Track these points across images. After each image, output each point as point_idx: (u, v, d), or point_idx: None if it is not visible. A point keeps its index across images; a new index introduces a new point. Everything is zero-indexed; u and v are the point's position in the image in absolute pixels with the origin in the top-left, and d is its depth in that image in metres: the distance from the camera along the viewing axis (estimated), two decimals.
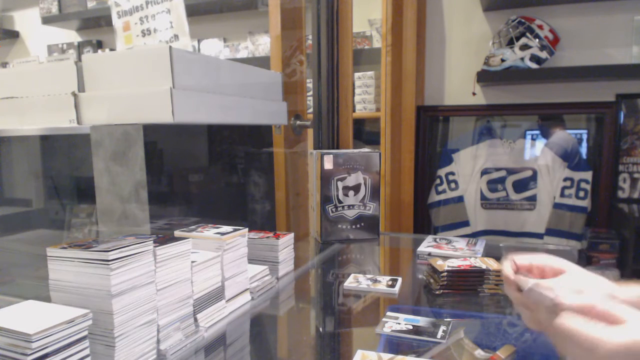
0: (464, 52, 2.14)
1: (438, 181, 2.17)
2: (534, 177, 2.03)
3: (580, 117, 2.03)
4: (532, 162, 2.04)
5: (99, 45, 3.11)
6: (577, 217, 1.95)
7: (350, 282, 1.11)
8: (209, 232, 0.94)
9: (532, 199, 2.03)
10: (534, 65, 1.89)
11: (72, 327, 0.60)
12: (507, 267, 0.62)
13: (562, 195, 1.97)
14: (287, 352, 0.87)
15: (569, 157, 1.98)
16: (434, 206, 2.19)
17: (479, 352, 0.76)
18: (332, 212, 1.49)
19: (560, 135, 2.02)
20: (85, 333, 0.62)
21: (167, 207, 1.12)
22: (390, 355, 0.72)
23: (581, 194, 1.94)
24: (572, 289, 0.53)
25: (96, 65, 0.96)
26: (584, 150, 2.01)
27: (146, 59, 0.93)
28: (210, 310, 0.87)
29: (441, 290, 1.04)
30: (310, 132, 1.76)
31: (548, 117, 2.05)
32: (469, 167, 2.12)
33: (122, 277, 0.67)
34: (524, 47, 1.89)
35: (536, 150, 2.05)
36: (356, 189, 1.50)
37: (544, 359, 0.75)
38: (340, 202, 1.49)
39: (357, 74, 2.30)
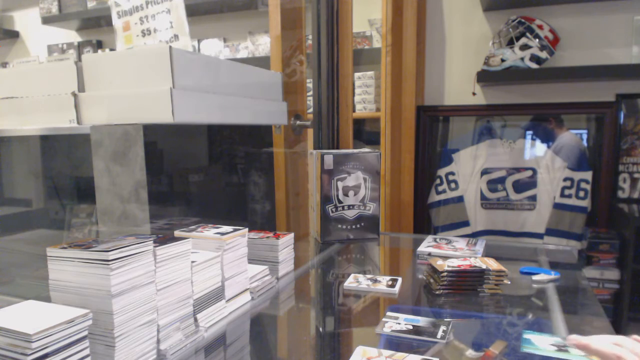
0: (464, 52, 2.14)
1: (438, 181, 2.17)
2: (534, 177, 2.03)
3: (580, 117, 2.03)
4: (532, 162, 2.04)
5: (99, 45, 3.11)
6: (577, 217, 1.95)
7: (350, 282, 1.11)
8: (209, 232, 0.94)
9: (532, 199, 2.03)
10: (534, 65, 1.89)
11: (72, 327, 0.60)
12: None
13: (562, 195, 1.97)
14: (287, 352, 0.87)
15: (569, 157, 1.98)
16: (434, 206, 2.19)
17: (470, 352, 0.76)
18: (332, 212, 1.49)
19: (561, 135, 2.02)
20: (85, 333, 0.62)
21: (167, 207, 1.12)
22: (391, 352, 0.73)
23: (581, 194, 1.94)
24: None
25: (96, 65, 0.96)
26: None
27: (146, 59, 0.92)
28: (210, 310, 0.87)
29: (441, 290, 1.04)
30: (310, 132, 1.76)
31: (548, 117, 2.05)
32: (469, 167, 2.12)
33: (122, 277, 0.67)
34: (524, 47, 1.89)
35: (536, 150, 2.05)
36: (356, 189, 1.50)
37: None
38: (340, 202, 1.49)
39: (357, 74, 2.30)
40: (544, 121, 2.05)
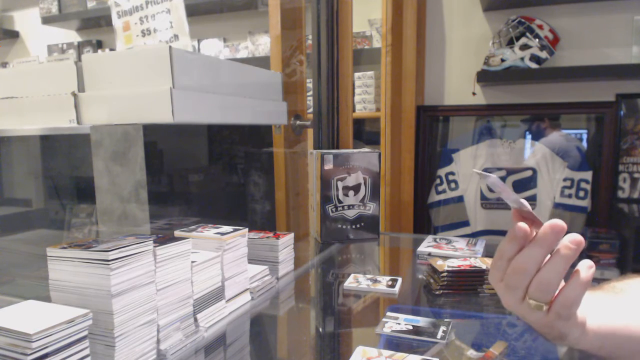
0: (464, 52, 2.14)
1: (438, 181, 2.17)
2: (533, 177, 2.03)
3: (580, 117, 2.03)
4: (532, 162, 2.04)
5: (99, 45, 3.11)
6: (577, 217, 1.95)
7: (350, 282, 1.11)
8: (209, 232, 0.94)
9: (532, 199, 2.03)
10: (534, 65, 1.89)
11: (72, 327, 0.60)
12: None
13: (562, 195, 1.97)
14: (287, 352, 0.87)
15: (569, 157, 1.98)
16: (434, 206, 2.19)
17: (471, 352, 0.76)
18: (332, 212, 1.49)
19: (561, 135, 2.02)
20: (85, 333, 0.62)
21: (167, 207, 1.13)
22: (391, 352, 0.73)
23: (581, 193, 1.94)
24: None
25: (96, 65, 0.96)
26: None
27: (146, 59, 0.93)
28: (210, 310, 0.87)
29: (441, 290, 1.04)
30: (310, 132, 1.76)
31: (548, 117, 2.05)
32: (469, 167, 2.13)
33: (122, 277, 0.67)
34: (524, 47, 1.89)
35: (536, 150, 2.05)
36: (356, 189, 1.50)
37: (536, 353, 0.75)
38: (340, 202, 1.49)
39: (357, 74, 2.30)
40: (543, 121, 2.05)
